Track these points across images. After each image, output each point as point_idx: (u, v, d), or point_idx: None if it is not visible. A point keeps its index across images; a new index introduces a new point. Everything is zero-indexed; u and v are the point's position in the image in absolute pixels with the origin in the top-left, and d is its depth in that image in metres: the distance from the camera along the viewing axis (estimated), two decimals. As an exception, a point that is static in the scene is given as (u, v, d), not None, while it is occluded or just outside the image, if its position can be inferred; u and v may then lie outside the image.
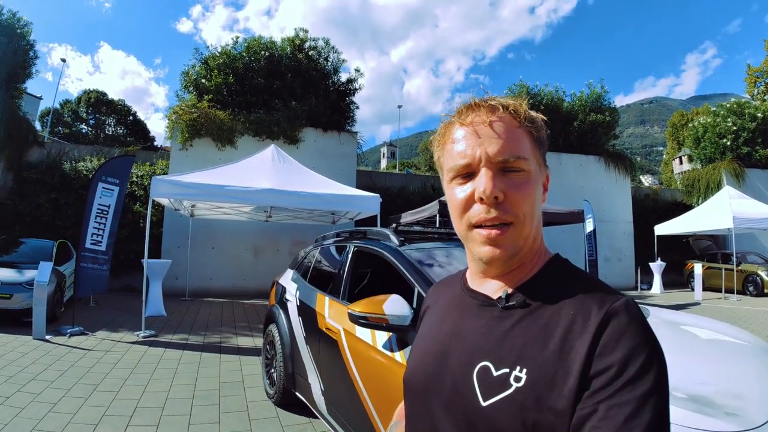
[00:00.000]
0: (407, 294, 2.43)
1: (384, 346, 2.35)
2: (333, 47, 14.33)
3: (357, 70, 14.79)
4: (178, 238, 11.46)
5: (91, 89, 40.55)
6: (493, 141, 0.74)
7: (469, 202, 0.76)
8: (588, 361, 0.64)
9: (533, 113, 0.79)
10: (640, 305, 0.70)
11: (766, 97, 23.62)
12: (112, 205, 7.27)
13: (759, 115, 18.30)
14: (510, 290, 0.78)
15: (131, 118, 41.16)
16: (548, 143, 0.84)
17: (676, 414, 1.47)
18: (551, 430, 0.63)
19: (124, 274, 11.42)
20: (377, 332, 2.44)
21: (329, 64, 14.36)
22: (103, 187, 7.19)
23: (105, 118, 40.25)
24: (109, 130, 40.13)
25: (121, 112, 40.53)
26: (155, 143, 38.43)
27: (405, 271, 2.60)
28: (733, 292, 13.44)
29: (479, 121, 0.76)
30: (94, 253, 7.05)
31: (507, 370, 0.69)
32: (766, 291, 13.36)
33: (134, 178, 12.21)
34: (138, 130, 40.53)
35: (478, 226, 0.75)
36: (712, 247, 16.76)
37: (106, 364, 5.16)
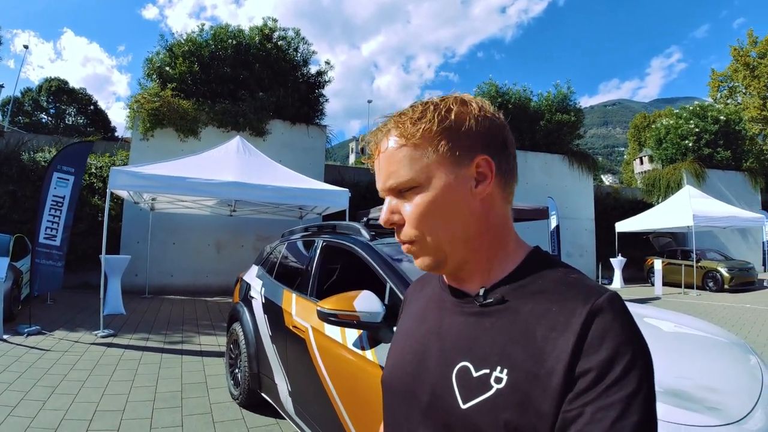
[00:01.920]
0: (378, 290, 2.34)
1: (354, 344, 2.26)
2: (303, 38, 14.09)
3: (327, 63, 14.61)
4: (137, 232, 11.09)
5: (53, 77, 39.30)
6: (381, 172, 0.76)
7: None
8: (572, 360, 0.60)
9: (444, 112, 0.70)
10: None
11: (729, 101, 24.46)
12: (67, 195, 6.93)
13: (722, 118, 18.98)
14: (488, 287, 0.74)
15: (92, 107, 40.00)
16: (486, 125, 0.72)
17: (658, 409, 1.39)
18: None
19: (82, 270, 10.96)
20: (347, 330, 2.33)
21: (299, 55, 14.10)
22: (58, 177, 6.85)
23: (66, 107, 39.02)
24: (69, 120, 38.87)
25: (82, 101, 39.31)
26: (116, 134, 37.40)
27: (376, 266, 2.52)
28: (692, 288, 13.88)
29: (374, 150, 0.77)
30: (48, 248, 6.72)
31: (487, 371, 0.66)
32: (726, 287, 13.85)
33: (93, 170, 11.71)
34: (99, 120, 39.35)
35: None
36: (671, 244, 17.36)
37: (64, 366, 4.97)
